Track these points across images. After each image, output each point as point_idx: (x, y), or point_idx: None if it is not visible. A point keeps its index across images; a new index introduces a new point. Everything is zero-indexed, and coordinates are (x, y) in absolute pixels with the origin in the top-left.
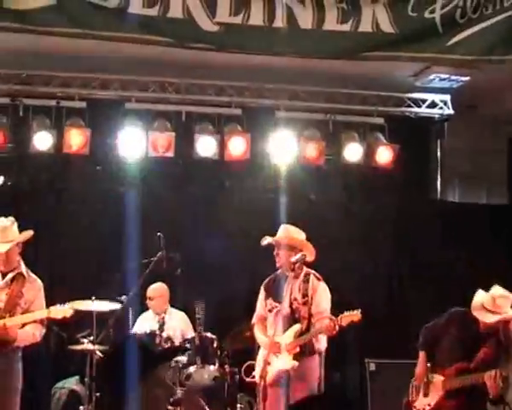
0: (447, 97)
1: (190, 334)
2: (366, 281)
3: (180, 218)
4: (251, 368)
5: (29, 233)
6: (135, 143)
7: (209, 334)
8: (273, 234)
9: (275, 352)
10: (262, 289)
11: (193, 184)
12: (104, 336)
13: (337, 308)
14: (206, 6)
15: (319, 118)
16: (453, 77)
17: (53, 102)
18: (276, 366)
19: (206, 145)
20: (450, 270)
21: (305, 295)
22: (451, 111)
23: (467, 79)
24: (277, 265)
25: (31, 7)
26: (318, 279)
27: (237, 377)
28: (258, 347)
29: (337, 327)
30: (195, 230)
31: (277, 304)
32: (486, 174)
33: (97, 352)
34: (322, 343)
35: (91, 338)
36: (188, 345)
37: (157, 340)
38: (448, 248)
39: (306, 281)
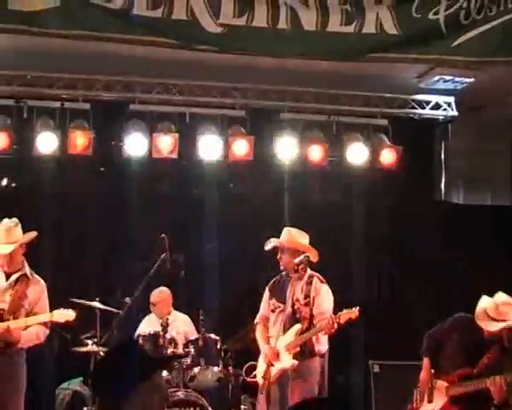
0: (451, 99)
1: (194, 336)
2: (370, 282)
3: (184, 219)
4: (252, 368)
5: (33, 234)
6: (139, 145)
7: (213, 335)
8: (277, 236)
9: (273, 359)
10: (267, 289)
11: (197, 186)
12: (108, 337)
13: (340, 309)
14: (210, 7)
15: (323, 119)
16: (457, 78)
17: (57, 104)
18: (277, 366)
19: (210, 147)
20: (454, 271)
21: (307, 297)
22: (455, 113)
23: (471, 80)
24: (281, 267)
25: (35, 9)
26: (321, 282)
27: (241, 378)
28: (255, 345)
29: (336, 325)
30: (199, 231)
31: (280, 304)
32: (491, 176)
33: (101, 353)
34: (322, 345)
35: (95, 340)
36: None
37: (160, 341)
38: (452, 249)
39: (309, 283)
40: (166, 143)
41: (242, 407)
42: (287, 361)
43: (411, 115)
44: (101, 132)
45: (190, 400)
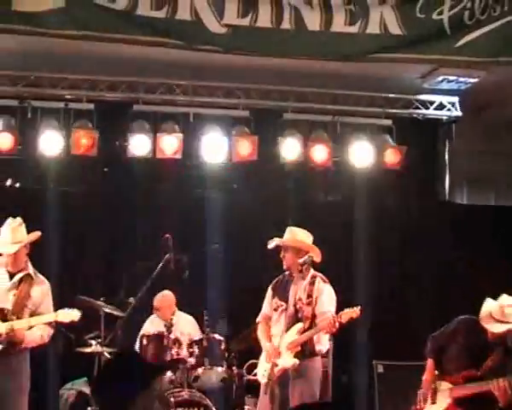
0: (455, 99)
1: (198, 336)
2: (373, 282)
3: (188, 220)
4: (253, 367)
5: (37, 234)
6: (142, 145)
7: (217, 335)
8: (281, 236)
9: (275, 357)
10: (269, 288)
11: (200, 186)
12: (112, 337)
13: (343, 309)
14: (213, 8)
15: (327, 120)
16: (461, 79)
17: (61, 104)
18: (279, 365)
19: (213, 147)
20: (457, 272)
21: (309, 296)
22: (459, 113)
23: (475, 80)
24: (284, 267)
25: (39, 9)
26: (324, 282)
27: (245, 378)
28: (259, 345)
29: (337, 324)
30: (203, 232)
31: (283, 303)
32: (494, 176)
33: (105, 353)
34: (323, 344)
35: (99, 340)
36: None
37: (165, 342)
38: (455, 249)
39: (312, 283)
40: (170, 144)
41: (246, 407)
42: (288, 360)
43: (415, 116)
44: (105, 133)
45: (194, 400)
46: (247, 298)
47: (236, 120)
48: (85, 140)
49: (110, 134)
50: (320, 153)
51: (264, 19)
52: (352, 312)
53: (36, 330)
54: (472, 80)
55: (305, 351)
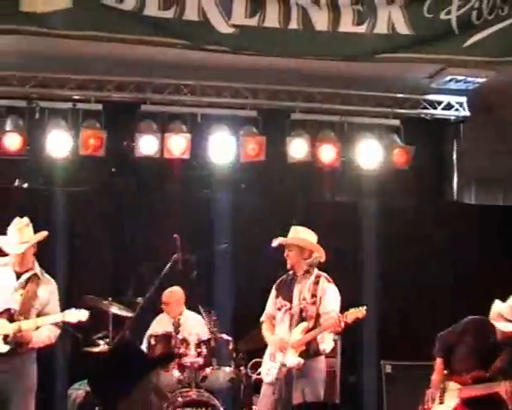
0: (463, 99)
1: (206, 336)
2: (381, 282)
3: (196, 220)
4: (257, 365)
5: (44, 234)
6: (150, 146)
7: (225, 336)
8: (287, 235)
9: (281, 349)
10: (274, 288)
11: (208, 186)
12: (120, 337)
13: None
14: (221, 8)
15: (334, 120)
16: (469, 78)
17: (69, 105)
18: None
19: (221, 147)
20: (467, 272)
21: (314, 296)
22: (467, 113)
23: (483, 80)
24: (288, 266)
25: (47, 10)
26: (329, 281)
27: (253, 378)
28: (266, 345)
29: (342, 324)
30: (210, 232)
31: (287, 303)
32: (503, 176)
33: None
34: (327, 344)
35: (107, 340)
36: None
37: (172, 342)
38: (465, 249)
39: (317, 282)
40: (178, 144)
41: (254, 407)
42: (293, 359)
43: (423, 115)
44: (113, 133)
45: (202, 400)
46: (255, 298)
47: (244, 121)
48: (93, 140)
49: (118, 134)
50: (328, 153)
51: (272, 19)
52: (358, 312)
53: (43, 331)
54: (480, 80)
55: (310, 350)
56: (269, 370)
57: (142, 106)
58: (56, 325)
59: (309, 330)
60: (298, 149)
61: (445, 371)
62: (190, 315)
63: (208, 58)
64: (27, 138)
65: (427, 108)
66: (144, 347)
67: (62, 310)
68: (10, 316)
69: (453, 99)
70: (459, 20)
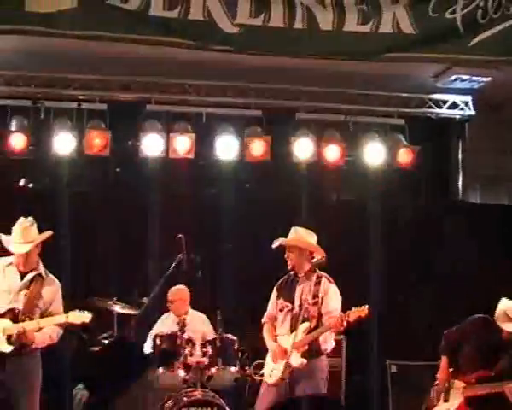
0: (468, 98)
1: (211, 336)
2: (386, 282)
3: (201, 219)
4: (260, 367)
5: (48, 233)
6: (155, 145)
7: (230, 335)
8: (287, 235)
9: (281, 357)
10: (274, 289)
11: (213, 186)
12: (125, 337)
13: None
14: (226, 8)
15: (339, 119)
16: (474, 78)
17: (74, 105)
18: (281, 368)
19: (226, 147)
20: (471, 271)
21: (315, 296)
22: (473, 112)
23: (488, 79)
24: (289, 267)
25: (52, 10)
26: (330, 282)
27: (258, 378)
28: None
29: (345, 323)
30: (216, 232)
31: (288, 304)
32: (508, 175)
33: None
34: (328, 343)
35: (112, 340)
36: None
37: (178, 341)
38: (470, 249)
39: (318, 283)
40: (183, 144)
41: None
42: (296, 360)
43: (428, 115)
44: (118, 133)
45: (207, 400)
46: (260, 297)
47: (249, 120)
48: (98, 140)
49: (123, 134)
50: (333, 152)
51: (277, 18)
52: (361, 311)
53: (45, 331)
54: (485, 79)
55: (312, 350)
56: (272, 371)
57: (147, 106)
58: (59, 325)
59: (311, 331)
60: (303, 148)
61: (451, 370)
62: (195, 314)
63: (213, 58)
64: (32, 138)
65: (432, 108)
66: (149, 346)
67: (66, 311)
68: (14, 316)
69: (458, 98)
70: (464, 20)
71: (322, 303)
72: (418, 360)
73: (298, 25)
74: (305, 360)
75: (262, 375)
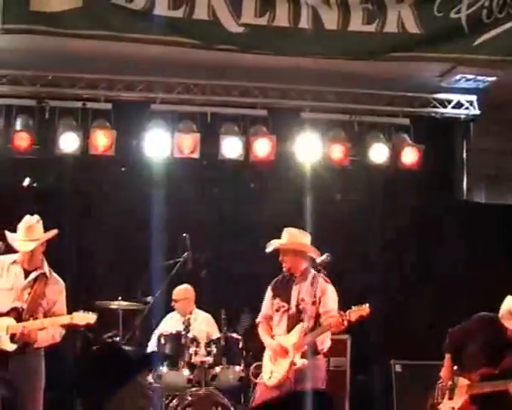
0: (473, 98)
1: (216, 335)
2: (391, 281)
3: (205, 219)
4: (259, 368)
5: (54, 232)
6: (160, 145)
7: (235, 334)
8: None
9: (281, 355)
10: (269, 289)
11: (218, 186)
12: (130, 337)
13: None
14: (231, 7)
15: (344, 119)
16: (479, 77)
17: (79, 104)
18: (285, 366)
19: (231, 146)
20: (476, 271)
21: (313, 296)
22: (477, 111)
23: (493, 79)
24: (284, 269)
25: (57, 9)
26: (326, 281)
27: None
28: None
29: (346, 322)
30: (221, 231)
31: (284, 304)
32: None
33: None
34: (325, 343)
35: (117, 339)
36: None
37: (183, 340)
38: (474, 248)
39: (315, 283)
40: (188, 143)
41: None
42: (298, 360)
43: (433, 114)
44: (123, 132)
45: (212, 399)
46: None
47: (254, 120)
48: (103, 140)
49: (128, 134)
50: (337, 152)
51: (282, 18)
52: (362, 310)
53: (48, 331)
54: (490, 79)
55: (310, 350)
56: (271, 373)
57: (151, 105)
58: (62, 325)
59: (309, 331)
60: (308, 148)
61: (455, 368)
62: (200, 314)
63: (218, 57)
64: (37, 138)
65: (436, 107)
66: (154, 345)
67: (72, 311)
68: (18, 315)
69: (463, 98)
70: (469, 19)
71: (320, 303)
72: (422, 360)
73: (303, 24)
74: (305, 361)
75: (261, 377)
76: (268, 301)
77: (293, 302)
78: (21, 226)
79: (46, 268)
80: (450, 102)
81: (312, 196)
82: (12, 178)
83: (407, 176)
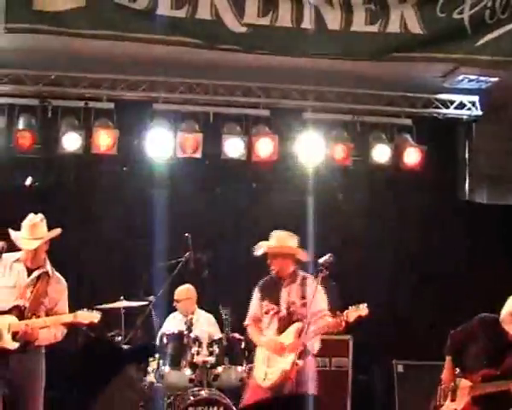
0: (475, 98)
1: (217, 335)
2: (393, 281)
3: (207, 219)
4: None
5: (57, 231)
6: (163, 144)
7: (236, 335)
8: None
9: (279, 351)
10: (257, 290)
11: (220, 185)
12: (132, 336)
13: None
14: (234, 7)
15: (347, 119)
16: (482, 78)
17: (81, 103)
18: (281, 367)
19: (233, 146)
20: (478, 272)
21: (303, 297)
22: (480, 112)
23: (495, 79)
24: (273, 272)
25: (60, 9)
26: (315, 282)
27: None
28: (254, 348)
29: (343, 323)
30: (223, 231)
31: (274, 306)
32: None
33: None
34: (315, 344)
35: (120, 338)
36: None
37: (185, 340)
38: (476, 249)
39: (304, 284)
40: (190, 143)
41: None
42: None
43: (435, 115)
44: (125, 132)
45: (214, 399)
46: None
47: (256, 119)
48: (105, 139)
49: (130, 133)
50: (340, 152)
51: (285, 18)
52: (360, 310)
53: (50, 329)
54: (492, 79)
55: (303, 351)
56: (266, 374)
57: (154, 105)
58: (64, 324)
59: (301, 331)
60: (310, 148)
61: (457, 369)
62: (202, 314)
63: (220, 57)
64: (39, 137)
65: (439, 108)
66: (157, 345)
67: (74, 310)
68: (20, 313)
69: (465, 98)
70: (472, 20)
71: (311, 303)
72: (424, 360)
73: (306, 24)
74: (301, 361)
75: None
76: (256, 303)
77: (284, 305)
78: (25, 224)
79: (49, 267)
80: (452, 102)
81: (314, 196)
82: (14, 177)
83: (409, 176)
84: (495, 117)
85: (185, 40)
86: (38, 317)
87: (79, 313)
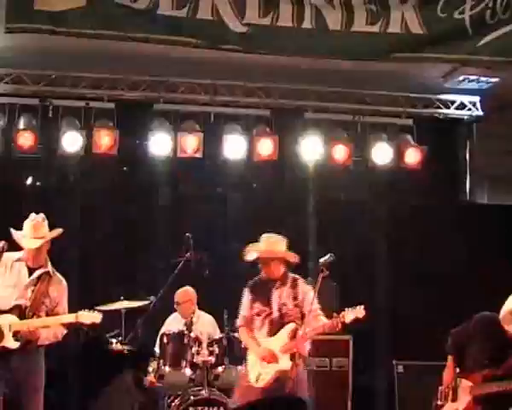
0: (476, 99)
1: (217, 336)
2: (393, 281)
3: (208, 219)
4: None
5: (59, 231)
6: (163, 144)
7: (237, 334)
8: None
9: (270, 360)
10: (247, 291)
11: (221, 186)
12: (133, 336)
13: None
14: (234, 7)
15: (347, 119)
16: (482, 78)
17: (82, 103)
18: (274, 368)
19: (234, 146)
20: (479, 272)
21: (295, 299)
22: (480, 112)
23: (496, 80)
24: (264, 275)
25: (61, 9)
26: (306, 283)
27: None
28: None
29: (340, 325)
30: (224, 231)
31: (265, 308)
32: None
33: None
34: (306, 347)
35: (120, 338)
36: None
37: (185, 340)
38: (476, 249)
39: (295, 286)
40: (191, 143)
41: None
42: (286, 363)
43: (436, 115)
44: (126, 132)
45: (214, 399)
46: None
47: (257, 120)
48: (106, 139)
49: (131, 133)
50: (340, 152)
51: (285, 18)
52: (357, 312)
53: (50, 329)
54: (493, 80)
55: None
56: (259, 375)
57: (154, 105)
58: (66, 323)
59: (295, 333)
60: (311, 148)
61: (458, 369)
62: (202, 315)
63: (221, 57)
64: (40, 137)
65: (440, 108)
66: (157, 346)
67: (75, 310)
68: (21, 312)
69: (466, 99)
70: (473, 20)
71: (303, 304)
72: (424, 360)
73: (306, 24)
74: (300, 361)
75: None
76: (247, 303)
77: (275, 307)
78: (27, 224)
79: (50, 267)
80: (453, 102)
81: (315, 196)
82: (15, 177)
83: (410, 176)
84: (496, 117)
85: (186, 40)
86: (39, 317)
87: (81, 313)
